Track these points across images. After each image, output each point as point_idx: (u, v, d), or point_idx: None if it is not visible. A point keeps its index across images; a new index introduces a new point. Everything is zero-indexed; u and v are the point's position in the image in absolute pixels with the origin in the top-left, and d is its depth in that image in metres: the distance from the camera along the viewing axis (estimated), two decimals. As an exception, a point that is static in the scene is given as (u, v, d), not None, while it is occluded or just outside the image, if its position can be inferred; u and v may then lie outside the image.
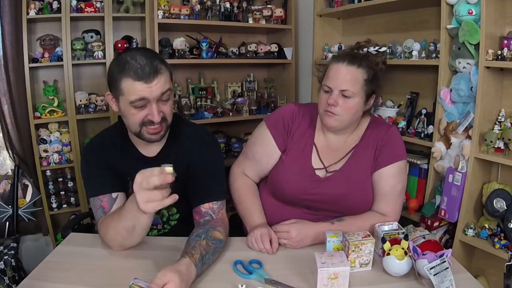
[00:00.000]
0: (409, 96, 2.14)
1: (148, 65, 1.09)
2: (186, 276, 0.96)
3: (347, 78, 1.26)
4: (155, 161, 1.27)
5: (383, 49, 1.36)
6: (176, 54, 2.37)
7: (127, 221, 1.06)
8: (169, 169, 0.94)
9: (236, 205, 1.43)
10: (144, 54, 1.11)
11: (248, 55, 2.64)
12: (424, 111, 1.97)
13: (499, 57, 1.57)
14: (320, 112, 1.34)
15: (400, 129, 2.01)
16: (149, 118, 1.13)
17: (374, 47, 1.34)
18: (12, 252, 1.99)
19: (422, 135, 1.95)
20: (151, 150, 1.28)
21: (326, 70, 1.33)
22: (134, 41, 2.37)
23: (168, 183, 0.94)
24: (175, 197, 0.95)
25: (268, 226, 1.27)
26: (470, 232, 1.71)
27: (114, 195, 1.21)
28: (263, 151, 1.42)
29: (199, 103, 2.62)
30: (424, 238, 1.18)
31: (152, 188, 0.94)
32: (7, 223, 2.19)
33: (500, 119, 1.68)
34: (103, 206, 1.20)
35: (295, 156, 1.37)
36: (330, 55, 1.46)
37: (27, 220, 2.24)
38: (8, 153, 2.24)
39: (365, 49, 1.36)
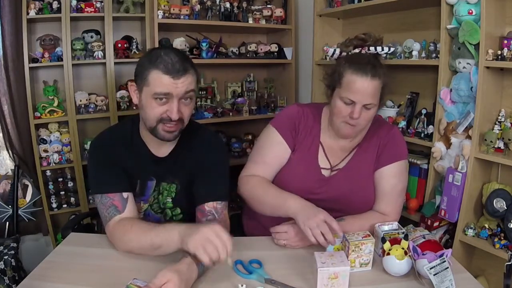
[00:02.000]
0: (409, 96, 2.14)
1: (179, 63, 1.13)
2: (186, 276, 0.96)
3: (372, 92, 1.23)
4: (166, 162, 1.29)
5: (392, 49, 1.33)
6: (176, 54, 2.36)
7: (158, 238, 1.07)
8: (229, 262, 0.98)
9: (259, 204, 1.33)
10: (177, 53, 1.16)
11: (248, 55, 2.64)
12: (424, 111, 1.97)
13: (499, 57, 1.57)
14: (337, 122, 1.31)
15: (400, 129, 2.00)
16: (167, 114, 1.15)
17: (382, 49, 1.31)
18: (12, 252, 1.99)
19: (422, 135, 1.95)
20: (162, 150, 1.29)
21: (342, 79, 1.26)
22: (134, 41, 2.37)
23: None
24: (195, 275, 1.00)
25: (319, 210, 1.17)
26: (470, 232, 1.71)
27: (124, 195, 1.20)
28: (274, 153, 1.39)
29: (199, 103, 2.62)
30: (424, 238, 1.18)
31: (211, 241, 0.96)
32: (7, 223, 2.19)
33: (500, 119, 1.68)
34: (115, 204, 1.19)
35: (302, 155, 1.37)
36: (331, 50, 1.40)
37: (27, 220, 2.24)
38: (8, 153, 2.24)
39: (372, 48, 1.32)
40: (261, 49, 2.63)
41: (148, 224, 1.13)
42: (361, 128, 1.32)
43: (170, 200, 1.32)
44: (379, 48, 1.31)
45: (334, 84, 1.30)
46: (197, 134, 1.33)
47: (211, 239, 0.96)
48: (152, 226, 1.11)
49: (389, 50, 1.32)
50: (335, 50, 1.37)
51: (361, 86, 1.23)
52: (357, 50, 1.32)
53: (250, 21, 2.58)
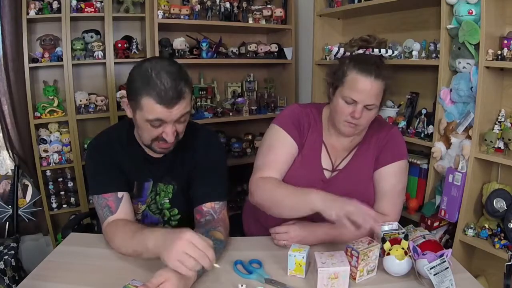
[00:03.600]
0: (409, 96, 2.14)
1: (173, 89, 1.06)
2: (184, 277, 0.95)
3: (375, 93, 1.23)
4: (162, 163, 1.28)
5: (396, 53, 1.33)
6: (176, 54, 2.37)
7: (139, 246, 1.04)
8: (216, 266, 0.97)
9: (277, 207, 1.24)
10: (170, 73, 1.07)
11: (248, 55, 2.64)
12: (424, 111, 1.97)
13: (499, 57, 1.57)
14: (339, 121, 1.30)
15: (400, 129, 2.01)
16: (163, 136, 1.13)
17: (386, 51, 1.30)
18: (12, 252, 1.99)
19: (422, 135, 1.95)
20: None
21: (345, 77, 1.25)
22: (134, 41, 2.37)
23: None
24: (194, 276, 0.98)
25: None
26: (470, 232, 1.71)
27: (119, 194, 1.20)
28: (284, 151, 1.34)
29: (199, 103, 2.62)
30: (424, 238, 1.18)
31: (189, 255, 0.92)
32: (7, 223, 2.19)
33: (500, 119, 1.68)
34: (109, 205, 1.19)
35: (305, 155, 1.36)
36: (335, 49, 1.39)
37: (27, 220, 2.24)
38: (8, 153, 2.24)
39: (376, 50, 1.31)
40: (261, 49, 2.63)
41: (131, 231, 1.10)
42: (363, 128, 1.32)
43: (168, 201, 1.32)
44: (383, 50, 1.30)
45: (337, 82, 1.29)
46: (194, 134, 1.32)
47: (187, 251, 0.91)
48: (133, 233, 1.07)
49: (393, 53, 1.32)
50: (339, 50, 1.37)
51: (365, 86, 1.22)
52: (361, 51, 1.32)
53: (250, 21, 2.58)
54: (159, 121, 1.10)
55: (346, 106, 1.26)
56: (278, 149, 1.34)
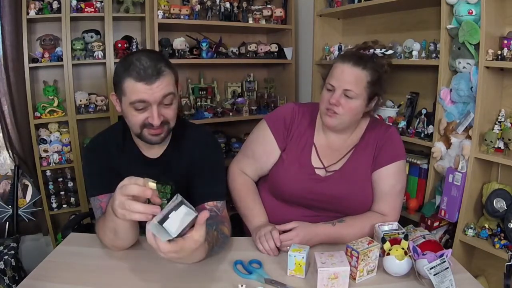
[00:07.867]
0: (409, 96, 2.14)
1: (151, 67, 1.09)
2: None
3: (351, 78, 1.27)
4: (157, 163, 1.28)
5: (389, 52, 1.36)
6: (176, 54, 2.37)
7: (109, 223, 1.06)
8: (152, 184, 0.93)
9: (236, 204, 1.42)
10: (149, 56, 1.11)
11: (248, 55, 2.64)
12: (424, 111, 1.97)
13: (499, 57, 1.57)
14: (321, 110, 1.35)
15: (400, 129, 2.01)
16: (149, 121, 1.13)
17: (381, 49, 1.33)
18: (12, 252, 1.99)
19: (422, 135, 1.95)
20: (153, 152, 1.28)
21: (331, 69, 1.34)
22: (134, 41, 2.37)
23: (146, 198, 0.92)
24: (148, 217, 0.92)
25: (272, 225, 1.26)
26: (470, 232, 1.71)
27: None
28: (262, 149, 1.42)
29: (199, 103, 2.62)
30: (424, 238, 1.18)
31: (130, 196, 0.91)
32: (7, 223, 2.19)
33: (500, 119, 1.68)
34: (102, 206, 1.20)
35: (294, 155, 1.38)
36: (336, 51, 1.44)
37: (27, 220, 2.25)
38: (8, 153, 2.24)
39: (371, 50, 1.34)
40: (261, 49, 2.63)
41: (103, 217, 1.11)
42: (345, 120, 1.31)
43: (166, 201, 1.31)
44: (378, 50, 1.33)
45: (326, 76, 1.36)
46: (189, 133, 1.32)
47: (123, 197, 0.91)
48: (103, 218, 1.09)
49: (386, 51, 1.34)
50: (339, 52, 1.42)
51: (341, 71, 1.28)
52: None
53: (250, 21, 2.58)
54: (142, 103, 1.10)
55: (326, 93, 1.32)
56: (257, 145, 1.44)
